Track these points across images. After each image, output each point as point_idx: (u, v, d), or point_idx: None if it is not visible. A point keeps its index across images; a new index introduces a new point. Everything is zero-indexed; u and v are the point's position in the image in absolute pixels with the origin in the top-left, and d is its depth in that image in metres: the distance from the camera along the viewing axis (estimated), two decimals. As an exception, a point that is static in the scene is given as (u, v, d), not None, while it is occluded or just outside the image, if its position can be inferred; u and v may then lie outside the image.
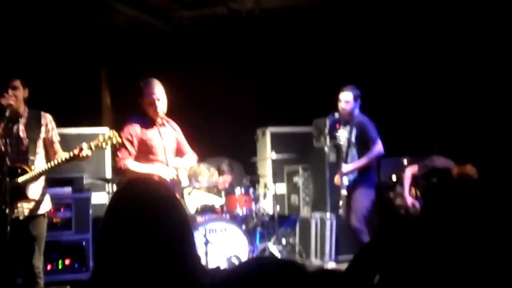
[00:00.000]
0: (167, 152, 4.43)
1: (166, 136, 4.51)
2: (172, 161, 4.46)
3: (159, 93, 4.39)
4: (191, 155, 4.70)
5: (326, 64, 7.58)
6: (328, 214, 6.41)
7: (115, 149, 4.45)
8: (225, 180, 6.60)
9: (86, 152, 4.07)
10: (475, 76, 6.59)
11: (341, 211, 5.58)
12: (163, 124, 4.52)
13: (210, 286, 1.50)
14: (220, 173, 6.61)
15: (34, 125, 4.22)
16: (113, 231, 1.52)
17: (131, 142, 4.38)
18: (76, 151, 4.07)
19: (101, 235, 1.54)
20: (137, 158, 4.39)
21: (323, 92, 7.37)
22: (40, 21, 7.00)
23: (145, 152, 4.39)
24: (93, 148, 4.10)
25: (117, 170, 4.49)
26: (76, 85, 7.54)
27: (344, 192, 5.45)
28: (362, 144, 5.41)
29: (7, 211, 3.84)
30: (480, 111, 6.48)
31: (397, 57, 7.09)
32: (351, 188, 5.44)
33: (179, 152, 4.64)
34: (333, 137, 6.04)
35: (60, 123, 6.07)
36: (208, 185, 6.17)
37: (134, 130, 4.39)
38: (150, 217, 1.51)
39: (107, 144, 4.13)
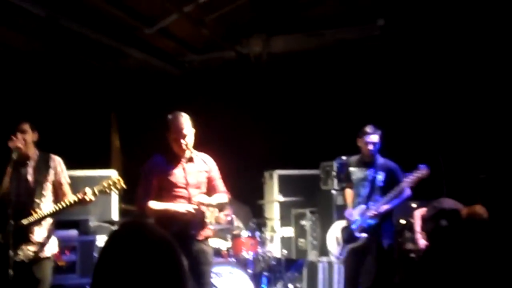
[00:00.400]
0: (190, 188, 4.27)
1: (192, 171, 4.33)
2: (196, 196, 4.27)
3: (187, 129, 4.23)
4: (221, 194, 4.49)
5: (333, 108, 7.63)
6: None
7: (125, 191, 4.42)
8: (226, 214, 6.48)
9: (89, 197, 4.10)
10: (483, 118, 6.59)
11: (342, 253, 5.31)
12: (191, 159, 4.35)
13: None
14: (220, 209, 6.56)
15: (42, 168, 4.26)
16: (104, 272, 1.53)
17: (149, 181, 4.28)
18: (80, 196, 4.10)
19: (94, 275, 1.55)
20: (160, 194, 4.27)
21: (330, 135, 7.41)
22: (52, 65, 7.15)
23: (167, 188, 4.26)
24: (97, 193, 4.13)
25: (136, 208, 4.41)
26: (86, 128, 7.63)
27: (365, 235, 5.14)
28: (389, 188, 5.15)
29: (10, 253, 3.85)
30: (489, 153, 6.45)
31: (403, 100, 7.13)
32: (369, 232, 5.16)
33: (211, 189, 4.45)
34: (342, 180, 5.93)
35: (69, 166, 6.13)
36: (213, 227, 6.12)
37: (153, 168, 4.31)
38: (141, 261, 1.51)
39: (111, 189, 4.15)
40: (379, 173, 5.19)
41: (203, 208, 4.32)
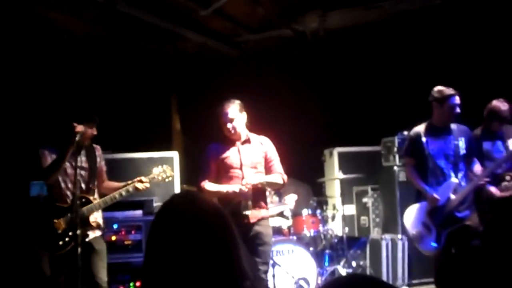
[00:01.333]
0: (245, 168, 4.49)
1: (247, 152, 4.56)
2: (249, 176, 4.44)
3: (232, 113, 4.48)
4: (276, 175, 4.63)
5: (393, 82, 7.43)
6: (399, 236, 6.21)
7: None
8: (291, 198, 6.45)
9: (144, 185, 4.41)
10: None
11: (441, 240, 4.60)
12: (247, 141, 4.61)
13: None
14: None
15: (92, 156, 4.56)
16: (156, 239, 1.57)
17: (207, 165, 4.57)
18: (136, 186, 4.40)
19: (147, 243, 1.60)
20: (219, 176, 4.54)
21: (390, 111, 7.23)
22: (112, 49, 7.32)
23: (224, 170, 4.52)
24: (147, 180, 4.43)
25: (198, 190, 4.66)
26: (147, 111, 7.80)
27: (468, 211, 4.61)
28: (469, 155, 4.69)
29: (78, 232, 4.05)
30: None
31: (467, 71, 6.83)
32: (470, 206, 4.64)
33: (268, 170, 4.63)
34: (408, 155, 5.36)
35: (131, 148, 6.30)
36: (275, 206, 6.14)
37: (210, 153, 4.60)
38: (193, 229, 1.54)
39: (161, 178, 4.47)
40: (460, 140, 4.68)
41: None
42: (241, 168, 4.49)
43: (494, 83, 6.61)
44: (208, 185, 4.50)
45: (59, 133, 4.38)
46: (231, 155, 4.53)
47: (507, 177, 4.89)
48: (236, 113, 4.48)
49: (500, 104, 5.14)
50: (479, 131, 5.23)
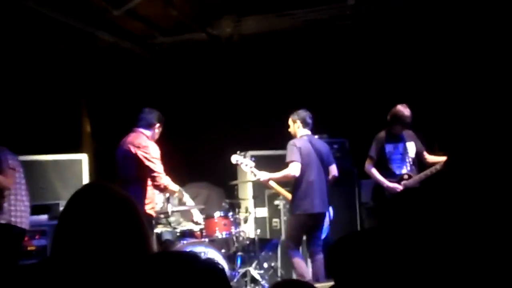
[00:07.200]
0: None
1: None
2: None
3: None
4: None
5: (307, 89, 7.61)
6: (309, 237, 6.34)
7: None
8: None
9: None
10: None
11: None
12: None
13: None
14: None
15: None
16: (67, 225, 1.66)
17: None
18: None
19: (57, 228, 1.68)
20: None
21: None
22: (21, 48, 6.99)
23: None
24: None
25: None
26: (56, 113, 7.50)
27: None
28: None
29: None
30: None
31: (373, 81, 7.14)
32: None
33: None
34: None
35: (39, 150, 6.06)
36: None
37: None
38: (102, 214, 1.65)
39: None
40: None
41: None
42: None
43: (398, 88, 6.94)
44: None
45: None
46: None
47: (405, 176, 5.39)
48: None
49: (403, 109, 5.52)
50: (384, 133, 5.67)
